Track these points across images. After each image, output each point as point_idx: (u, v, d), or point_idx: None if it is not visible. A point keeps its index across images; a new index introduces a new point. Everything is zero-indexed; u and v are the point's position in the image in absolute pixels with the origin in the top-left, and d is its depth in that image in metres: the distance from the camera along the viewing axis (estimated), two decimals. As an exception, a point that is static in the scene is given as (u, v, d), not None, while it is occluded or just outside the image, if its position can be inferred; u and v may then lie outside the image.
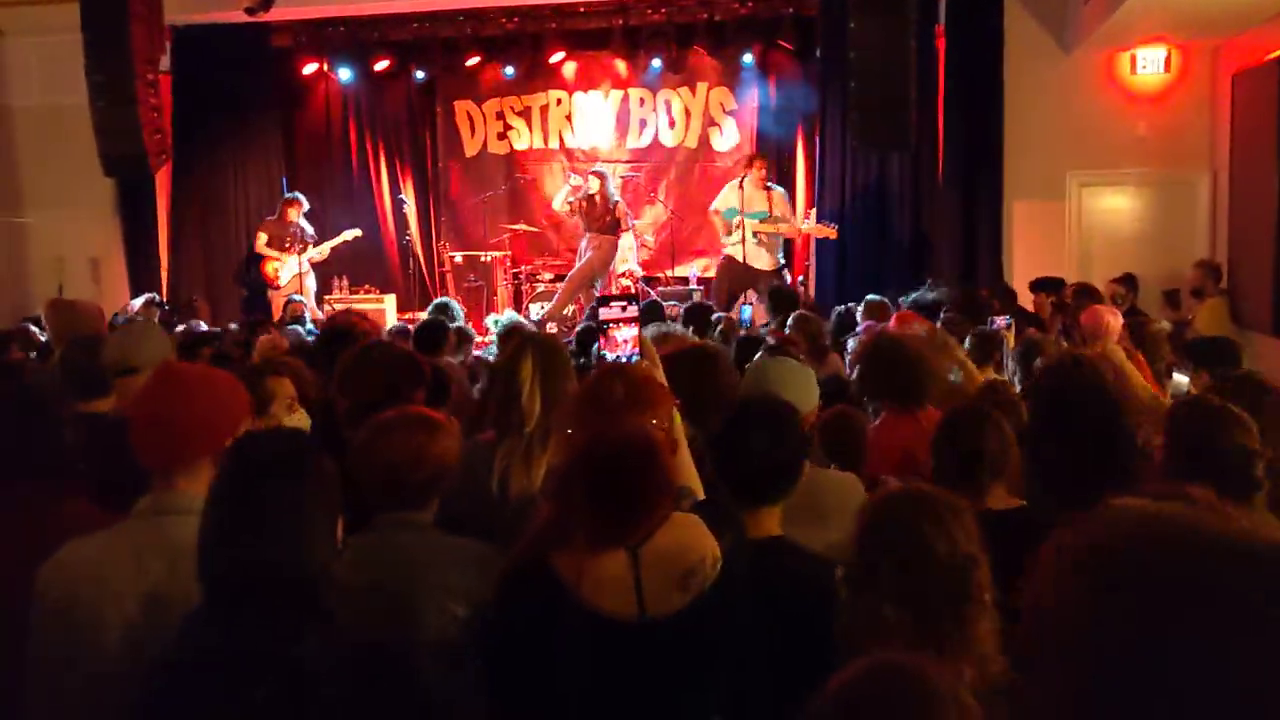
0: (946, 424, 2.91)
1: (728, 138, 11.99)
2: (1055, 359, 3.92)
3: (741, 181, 9.67)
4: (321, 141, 12.36)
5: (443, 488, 2.49)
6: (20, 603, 2.14)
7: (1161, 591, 0.80)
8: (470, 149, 12.49)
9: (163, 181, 11.12)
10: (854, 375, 5.13)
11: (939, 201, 10.14)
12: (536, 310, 10.64)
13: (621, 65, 12.04)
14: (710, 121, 12.08)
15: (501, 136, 12.42)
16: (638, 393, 2.49)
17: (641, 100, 12.16)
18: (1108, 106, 9.78)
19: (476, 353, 6.72)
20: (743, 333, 6.64)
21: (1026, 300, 7.98)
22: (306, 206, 10.75)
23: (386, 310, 10.65)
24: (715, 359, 3.42)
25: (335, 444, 2.80)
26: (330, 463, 1.99)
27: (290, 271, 10.50)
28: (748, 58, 11.64)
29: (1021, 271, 9.31)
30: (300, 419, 3.65)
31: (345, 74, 12.08)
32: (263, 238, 10.56)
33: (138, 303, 9.04)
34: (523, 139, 12.39)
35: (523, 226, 11.80)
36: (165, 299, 10.31)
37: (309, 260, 10.56)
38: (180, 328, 7.34)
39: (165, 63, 10.09)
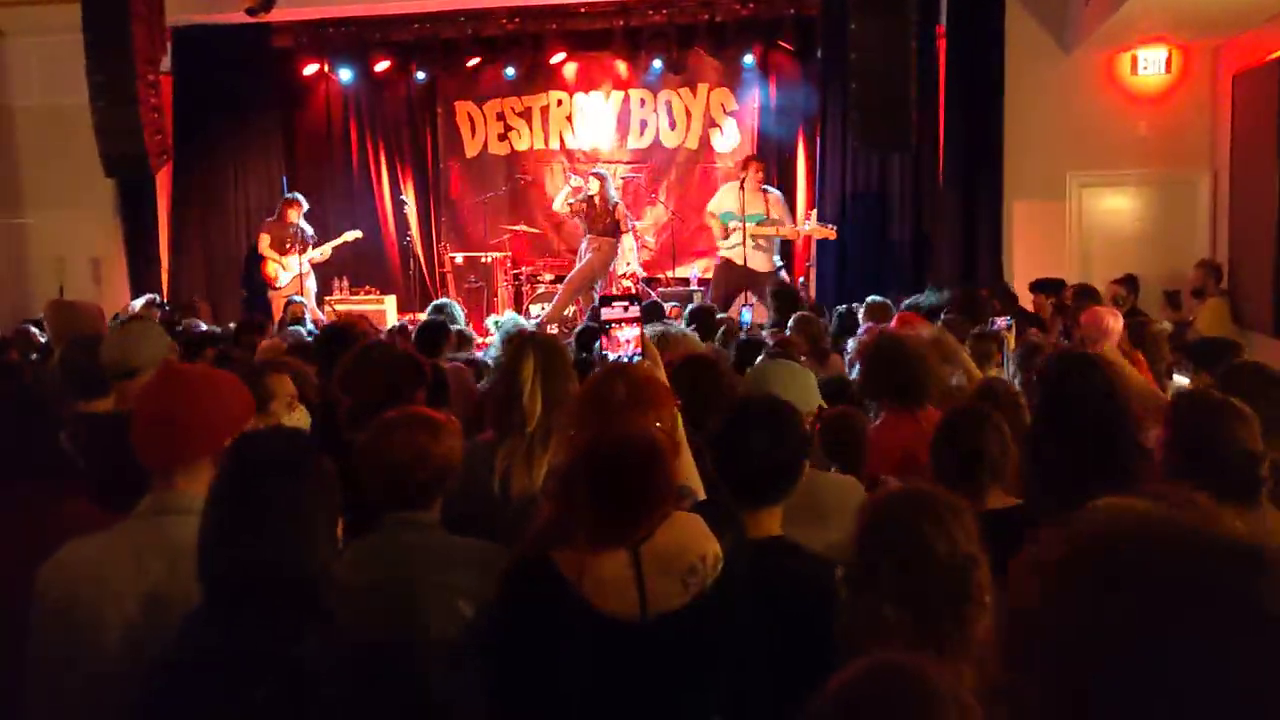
0: (946, 424, 2.91)
1: (728, 138, 11.99)
2: (1056, 357, 3.92)
3: (742, 183, 9.66)
4: (322, 142, 12.36)
5: (447, 488, 2.49)
6: (20, 603, 2.14)
7: (1161, 591, 0.80)
8: (471, 150, 12.49)
9: (163, 182, 11.13)
10: (855, 375, 5.14)
11: (939, 202, 10.14)
12: (537, 311, 10.64)
13: (622, 66, 12.04)
14: (711, 122, 12.08)
15: (502, 137, 12.42)
16: (640, 393, 2.50)
17: (642, 101, 12.16)
18: (1108, 107, 9.78)
19: (476, 354, 6.72)
20: (743, 335, 6.64)
21: (1027, 301, 7.98)
22: (306, 207, 10.75)
23: (387, 311, 10.66)
24: (716, 367, 3.43)
25: (336, 444, 2.80)
26: (330, 463, 1.99)
27: (290, 272, 10.50)
28: (748, 59, 11.64)
29: (1022, 272, 9.31)
30: (300, 417, 3.65)
31: (346, 74, 12.08)
32: (265, 239, 10.56)
33: (138, 303, 9.04)
34: (523, 140, 12.39)
35: (523, 227, 11.81)
36: (166, 299, 10.31)
37: (310, 261, 10.56)
38: (180, 328, 7.33)
39: (166, 63, 10.09)
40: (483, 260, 11.59)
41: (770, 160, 11.64)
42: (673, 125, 12.15)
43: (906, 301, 7.17)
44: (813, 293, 10.48)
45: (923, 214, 10.31)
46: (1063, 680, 0.81)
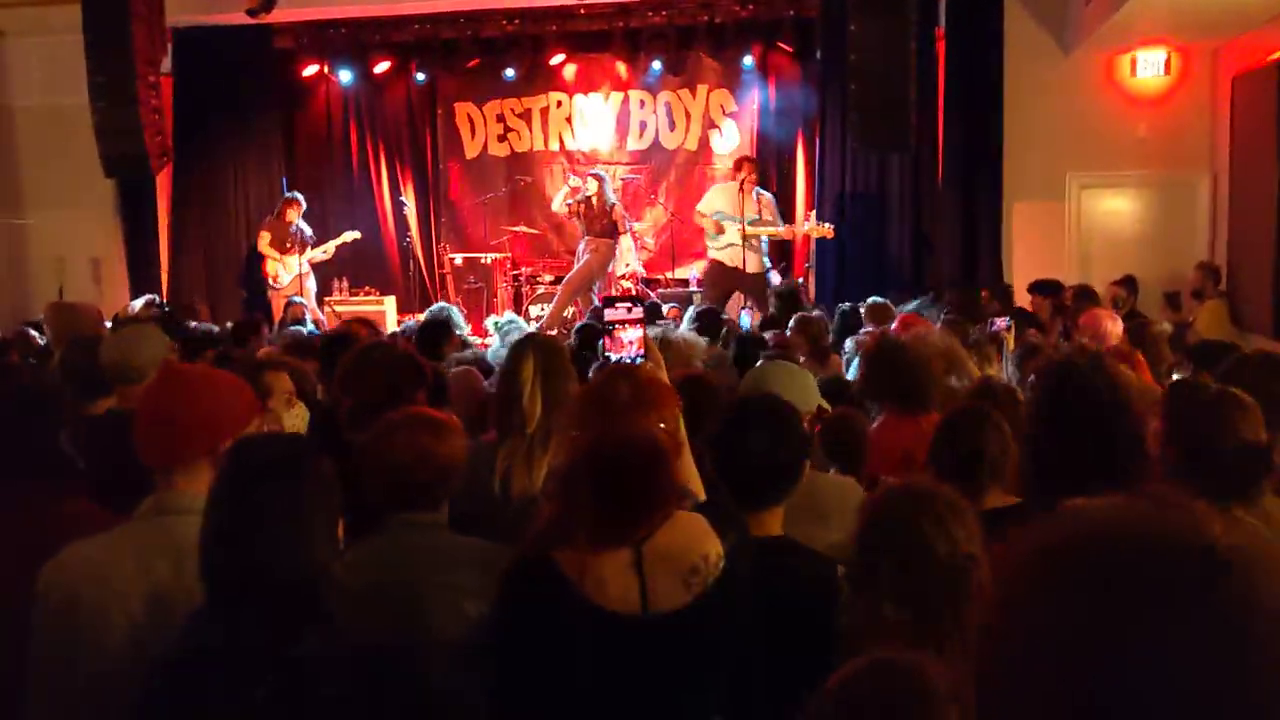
0: (946, 424, 2.91)
1: (728, 139, 12.00)
2: (1058, 357, 3.92)
3: (742, 185, 9.64)
4: (322, 143, 12.37)
5: (451, 488, 2.49)
6: (21, 603, 2.14)
7: (1125, 593, 0.80)
8: (471, 151, 12.50)
9: (163, 182, 11.13)
10: (851, 375, 5.15)
11: (939, 203, 10.15)
12: (537, 311, 10.64)
13: (622, 67, 12.04)
14: (710, 123, 12.09)
15: (502, 138, 12.42)
16: (643, 393, 2.50)
17: (641, 102, 12.16)
18: (1108, 108, 9.78)
19: (483, 351, 6.72)
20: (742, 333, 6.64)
21: (1025, 302, 7.98)
22: (305, 206, 10.76)
23: (387, 312, 10.66)
24: (714, 390, 3.42)
25: (336, 445, 2.80)
26: (329, 464, 2.00)
27: (290, 272, 10.50)
28: (748, 60, 11.65)
29: (1021, 273, 9.32)
30: (299, 414, 3.66)
31: (346, 76, 12.09)
32: (265, 237, 10.56)
33: (138, 304, 9.04)
34: (523, 141, 12.39)
35: (523, 228, 11.82)
36: (165, 300, 10.31)
37: (310, 261, 10.57)
38: (180, 328, 7.33)
39: (166, 64, 10.10)
40: (482, 261, 11.59)
41: (770, 161, 11.67)
42: (672, 126, 12.16)
43: (904, 307, 7.17)
44: (812, 293, 10.48)
45: (922, 215, 10.31)
46: (1033, 680, 0.81)
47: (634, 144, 12.23)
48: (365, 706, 1.82)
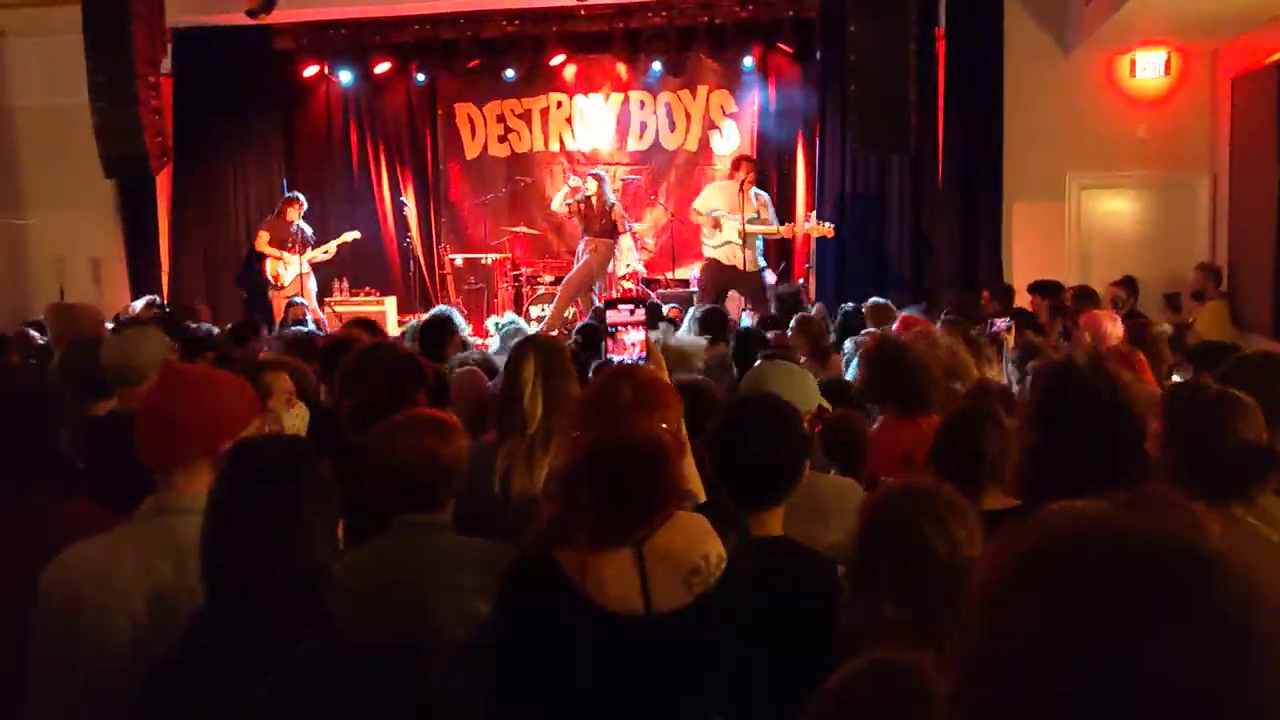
0: (946, 425, 2.91)
1: (728, 140, 12.01)
2: (1057, 358, 3.92)
3: (742, 185, 9.63)
4: (322, 144, 12.37)
5: (455, 489, 2.49)
6: (22, 602, 2.14)
7: (1113, 592, 0.81)
8: (471, 151, 12.50)
9: (163, 183, 11.13)
10: (850, 375, 5.15)
11: (939, 203, 10.15)
12: (537, 312, 10.64)
13: (622, 68, 12.05)
14: (710, 124, 12.10)
15: (502, 139, 12.43)
16: (646, 394, 2.50)
17: (642, 103, 12.17)
18: (1108, 109, 9.79)
19: (488, 352, 6.72)
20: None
21: (1026, 303, 7.98)
22: (306, 206, 10.76)
23: (387, 312, 10.66)
24: (714, 397, 3.43)
25: (337, 447, 2.81)
26: (328, 466, 2.00)
27: (292, 272, 10.50)
28: (748, 60, 11.66)
29: (1021, 273, 9.32)
30: (299, 413, 3.66)
31: (346, 76, 12.09)
32: (264, 236, 10.56)
33: (138, 304, 9.05)
34: (523, 141, 12.40)
35: (523, 229, 11.83)
36: (166, 300, 10.31)
37: (311, 261, 10.58)
38: (181, 330, 7.32)
39: (166, 64, 10.10)
40: (483, 262, 11.60)
41: (770, 162, 11.69)
42: (672, 127, 12.17)
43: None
44: (813, 293, 10.49)
45: (922, 215, 10.31)
46: (1029, 679, 0.81)
47: (634, 145, 12.24)
48: (365, 706, 1.83)
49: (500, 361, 4.47)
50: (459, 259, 11.85)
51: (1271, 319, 8.33)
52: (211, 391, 2.38)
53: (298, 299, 9.58)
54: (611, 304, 3.09)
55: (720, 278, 9.59)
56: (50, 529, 2.33)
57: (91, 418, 3.43)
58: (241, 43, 10.92)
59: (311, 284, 10.57)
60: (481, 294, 11.45)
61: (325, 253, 10.71)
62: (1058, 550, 0.87)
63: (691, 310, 7.38)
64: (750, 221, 9.43)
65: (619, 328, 2.99)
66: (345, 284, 11.22)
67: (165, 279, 11.28)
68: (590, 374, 3.79)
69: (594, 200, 10.01)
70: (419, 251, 12.22)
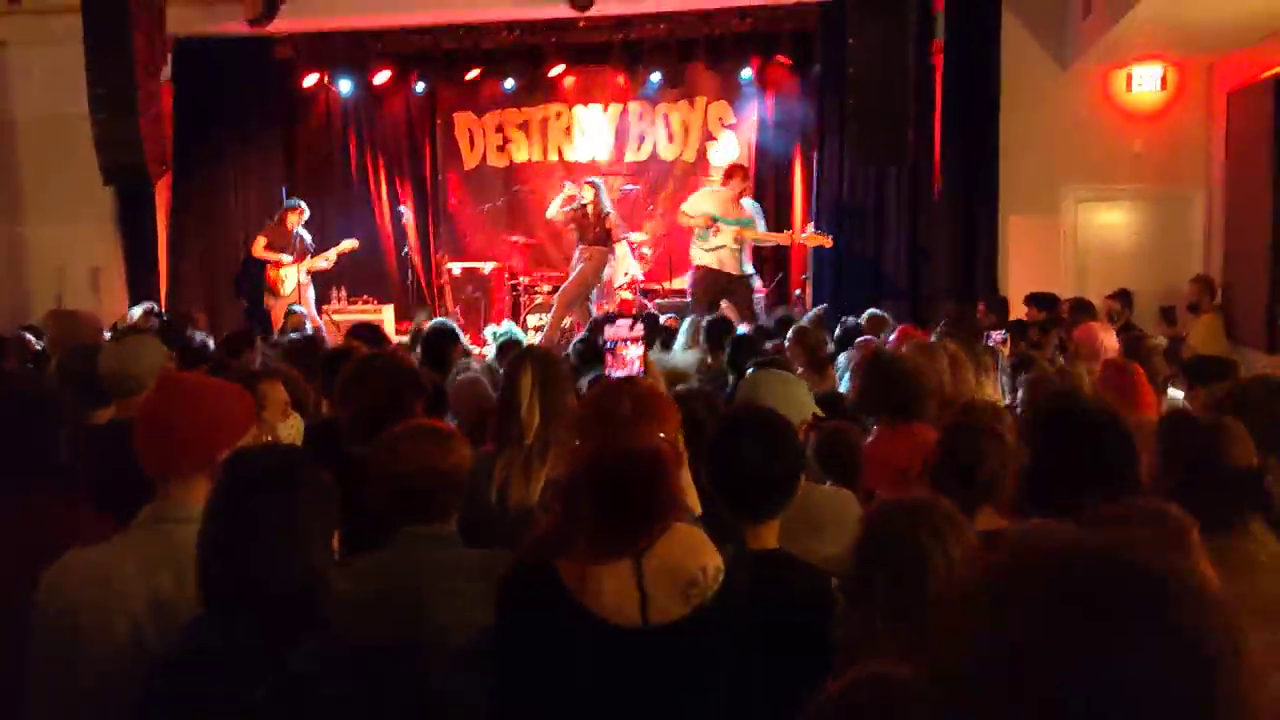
0: (944, 441, 2.91)
1: (726, 151, 12.03)
2: (1052, 386, 3.94)
3: (740, 193, 9.63)
4: (321, 153, 12.38)
5: (458, 498, 2.50)
6: (21, 605, 2.14)
7: (1087, 607, 0.85)
8: (470, 161, 12.53)
9: (162, 192, 11.14)
10: (844, 387, 5.16)
11: (935, 215, 10.18)
12: (535, 321, 10.65)
13: (621, 79, 12.08)
14: (709, 135, 12.13)
15: (501, 149, 12.46)
16: (645, 406, 2.52)
17: (640, 114, 12.21)
18: (1104, 123, 9.83)
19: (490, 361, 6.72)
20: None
21: (1022, 316, 8.00)
22: (307, 214, 10.78)
23: (385, 321, 10.66)
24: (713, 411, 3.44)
25: (334, 457, 2.81)
26: (325, 474, 2.01)
27: (291, 280, 10.51)
28: (746, 72, 11.69)
29: (1017, 286, 9.35)
30: (294, 424, 3.67)
31: (346, 86, 12.11)
32: (261, 242, 10.57)
33: (137, 312, 9.04)
34: (522, 152, 12.43)
35: (521, 238, 11.84)
36: (164, 309, 10.31)
37: (309, 270, 10.60)
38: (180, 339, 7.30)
39: (166, 73, 10.11)
40: (481, 271, 11.62)
41: (768, 172, 11.72)
42: (671, 138, 12.21)
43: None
44: (809, 303, 10.49)
45: (919, 227, 10.33)
46: (1008, 688, 0.85)
47: (632, 155, 12.27)
48: (365, 707, 1.83)
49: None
50: (457, 268, 11.86)
51: (1265, 332, 8.36)
52: (209, 400, 2.39)
53: (296, 307, 9.58)
54: (610, 318, 3.11)
55: (712, 285, 9.54)
56: (49, 531, 2.34)
57: (90, 425, 3.43)
58: (241, 52, 10.94)
59: (310, 292, 10.58)
60: (479, 303, 11.46)
61: (325, 260, 10.72)
62: (1041, 565, 0.91)
63: (688, 319, 7.34)
64: (744, 226, 9.41)
65: (618, 343, 3.00)
66: (343, 292, 11.23)
67: (164, 287, 11.27)
68: (587, 388, 3.80)
69: (590, 208, 10.02)
70: (417, 261, 12.23)
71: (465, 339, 7.43)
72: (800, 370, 5.14)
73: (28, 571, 2.18)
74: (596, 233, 10.04)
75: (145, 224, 11.24)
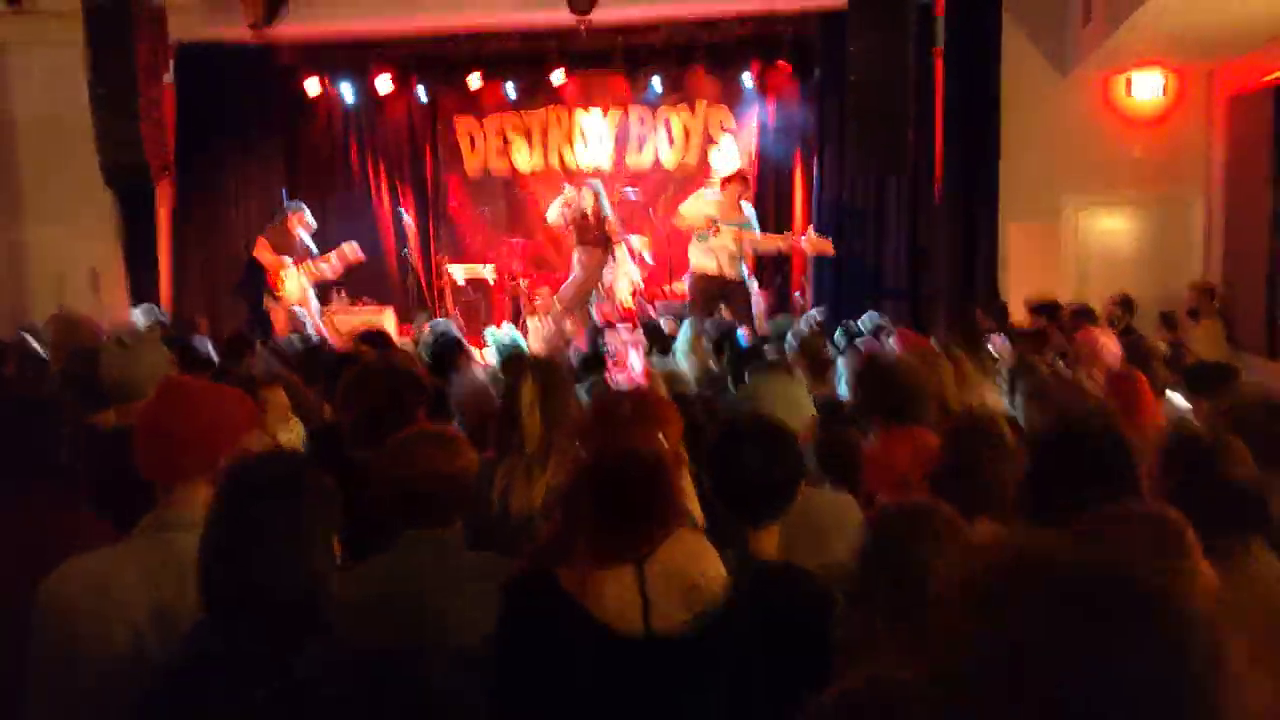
0: (946, 447, 2.91)
1: (727, 156, 12.03)
2: (1054, 394, 3.94)
3: (738, 198, 9.62)
4: (323, 158, 12.39)
5: (463, 503, 2.49)
6: (22, 609, 2.14)
7: (1058, 611, 0.89)
8: (471, 166, 12.54)
9: (163, 195, 11.14)
10: (842, 389, 5.16)
11: (935, 221, 10.18)
12: (535, 325, 10.66)
13: (622, 84, 12.10)
14: (709, 140, 12.15)
15: (502, 154, 12.48)
16: (646, 410, 2.52)
17: (641, 119, 12.22)
18: (1104, 129, 9.85)
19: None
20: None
21: (1024, 321, 8.00)
22: (313, 224, 10.78)
23: (386, 323, 10.64)
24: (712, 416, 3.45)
25: (336, 461, 2.82)
26: (327, 479, 2.01)
27: (293, 283, 10.50)
28: (747, 77, 11.71)
29: (1017, 291, 9.36)
30: (295, 429, 3.67)
31: (347, 91, 12.13)
32: (264, 244, 10.56)
33: (138, 315, 9.04)
34: (523, 156, 12.45)
35: (521, 241, 11.86)
36: (167, 312, 10.30)
37: (320, 277, 10.60)
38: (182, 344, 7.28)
39: (168, 78, 10.12)
40: (481, 275, 11.63)
41: (768, 177, 11.73)
42: (671, 143, 12.22)
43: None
44: (809, 308, 10.48)
45: (919, 232, 10.34)
46: (1018, 689, 0.88)
47: (633, 160, 12.28)
48: (365, 709, 1.83)
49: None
50: (458, 271, 11.86)
51: (1265, 337, 8.37)
52: (209, 406, 2.39)
53: (299, 310, 9.57)
54: (611, 326, 3.12)
55: (710, 289, 9.53)
56: (49, 534, 2.34)
57: (91, 429, 3.43)
58: (244, 57, 10.94)
59: (312, 296, 10.58)
60: (479, 306, 11.47)
61: (333, 270, 10.66)
62: (1038, 569, 0.94)
63: (687, 322, 7.32)
64: (743, 229, 9.40)
65: (619, 350, 3.02)
66: (344, 295, 11.24)
67: (165, 291, 11.28)
68: (589, 395, 3.80)
69: (589, 211, 10.01)
70: (418, 264, 12.24)
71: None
72: (801, 374, 5.14)
73: (27, 574, 2.17)
74: (596, 235, 10.04)
75: (145, 227, 11.24)
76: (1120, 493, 2.44)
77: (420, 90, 12.22)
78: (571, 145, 12.35)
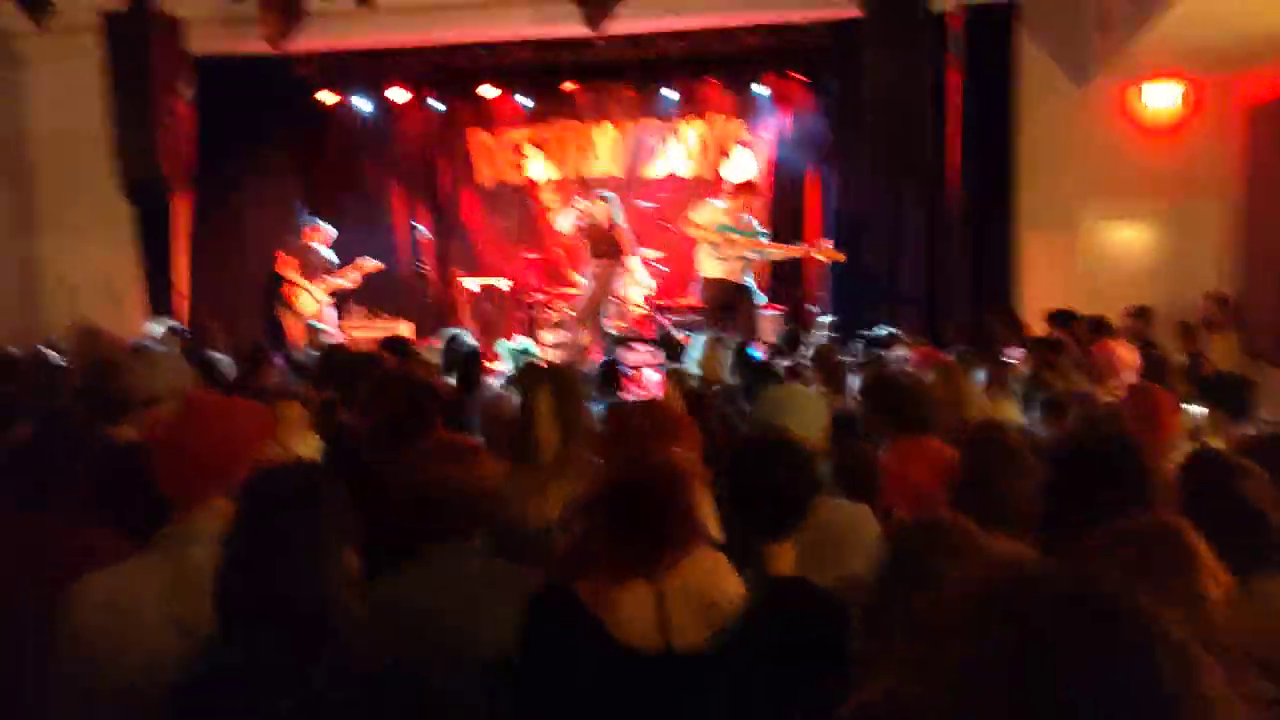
0: (964, 461, 2.89)
1: (741, 167, 12.03)
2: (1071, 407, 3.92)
3: (747, 207, 9.62)
4: (339, 170, 12.44)
5: (487, 514, 2.49)
6: (40, 624, 2.15)
7: (1050, 628, 0.93)
8: (486, 178, 12.59)
9: (180, 208, 11.21)
10: (852, 400, 5.15)
11: (951, 231, 10.15)
12: (550, 337, 10.67)
13: (636, 96, 12.13)
14: (724, 152, 12.16)
15: (516, 166, 12.52)
16: (664, 423, 2.52)
17: (655, 131, 12.24)
18: (1121, 139, 9.81)
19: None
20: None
21: (1041, 332, 7.97)
22: (333, 234, 10.85)
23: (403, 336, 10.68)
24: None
25: (353, 470, 2.82)
26: (343, 490, 2.01)
27: (311, 297, 10.57)
28: (762, 89, 11.73)
29: (1034, 302, 9.32)
30: (311, 442, 3.68)
31: (364, 104, 12.20)
32: (293, 263, 10.65)
33: (156, 327, 9.09)
34: (538, 169, 12.48)
35: (536, 255, 11.88)
36: (184, 324, 10.35)
37: (338, 290, 10.66)
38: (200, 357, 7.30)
39: (186, 91, 10.18)
40: (496, 287, 11.66)
41: (783, 188, 11.74)
42: (686, 155, 12.23)
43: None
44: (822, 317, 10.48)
45: (935, 243, 10.31)
46: (1019, 694, 0.91)
47: (648, 172, 12.31)
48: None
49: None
50: (473, 284, 11.89)
51: (1285, 349, 8.32)
52: (229, 422, 2.40)
53: (316, 324, 9.62)
54: (626, 342, 3.12)
55: (721, 295, 9.51)
56: (68, 552, 2.35)
57: (109, 444, 3.45)
58: (261, 70, 11.00)
59: (330, 310, 10.64)
60: (495, 319, 11.49)
61: (352, 281, 10.75)
62: (1018, 590, 0.99)
63: (702, 336, 7.30)
64: (753, 236, 9.41)
65: (638, 369, 3.02)
66: (362, 309, 11.29)
67: (183, 303, 11.34)
68: (604, 413, 3.79)
69: (601, 222, 10.02)
70: (433, 276, 12.28)
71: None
72: (816, 385, 5.14)
73: (44, 590, 2.18)
74: (607, 245, 10.04)
75: (163, 239, 11.31)
76: (1134, 506, 2.42)
77: (435, 103, 12.28)
78: (585, 157, 12.38)
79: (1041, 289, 9.64)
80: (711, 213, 9.64)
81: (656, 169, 12.31)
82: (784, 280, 11.33)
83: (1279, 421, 4.79)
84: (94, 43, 8.76)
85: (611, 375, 5.70)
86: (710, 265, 9.55)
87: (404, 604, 2.34)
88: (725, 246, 9.45)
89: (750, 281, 9.64)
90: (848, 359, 6.50)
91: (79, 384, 3.96)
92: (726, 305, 9.42)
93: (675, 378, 4.16)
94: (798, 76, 11.49)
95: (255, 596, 1.86)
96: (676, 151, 12.25)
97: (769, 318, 10.12)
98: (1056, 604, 0.95)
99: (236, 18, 9.40)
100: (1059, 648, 0.90)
